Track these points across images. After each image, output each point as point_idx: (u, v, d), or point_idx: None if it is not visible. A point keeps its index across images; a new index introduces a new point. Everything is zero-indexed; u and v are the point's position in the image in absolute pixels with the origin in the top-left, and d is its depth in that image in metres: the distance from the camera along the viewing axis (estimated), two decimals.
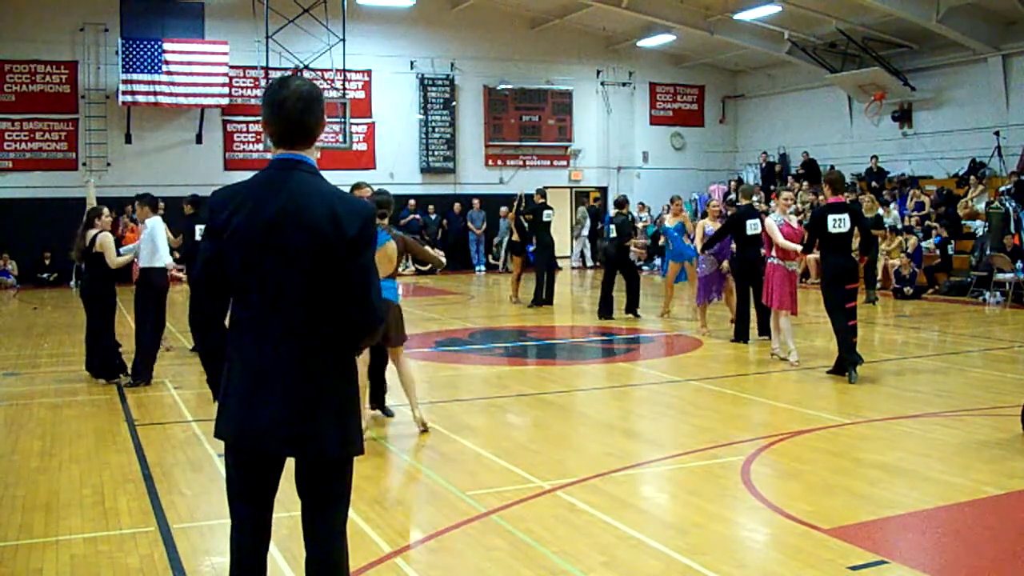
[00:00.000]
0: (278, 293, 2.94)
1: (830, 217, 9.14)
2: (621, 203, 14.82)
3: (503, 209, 24.52)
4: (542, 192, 16.54)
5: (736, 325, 11.82)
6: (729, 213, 13.63)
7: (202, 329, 3.13)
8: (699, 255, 12.38)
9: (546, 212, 16.11)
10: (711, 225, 12.22)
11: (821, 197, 11.09)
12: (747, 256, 11.40)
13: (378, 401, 7.78)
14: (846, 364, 9.16)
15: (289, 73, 21.75)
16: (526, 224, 16.34)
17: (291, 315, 2.94)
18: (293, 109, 3.01)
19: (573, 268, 25.82)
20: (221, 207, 3.02)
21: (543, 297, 16.09)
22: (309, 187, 2.98)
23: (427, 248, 7.85)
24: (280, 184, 2.98)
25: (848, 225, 9.16)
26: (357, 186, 7.52)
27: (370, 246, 2.97)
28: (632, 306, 14.61)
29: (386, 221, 6.92)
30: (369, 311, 2.97)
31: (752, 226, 11.25)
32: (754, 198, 10.38)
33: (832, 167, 24.30)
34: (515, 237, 16.73)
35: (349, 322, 2.98)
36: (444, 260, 8.12)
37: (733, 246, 11.85)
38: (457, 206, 25.18)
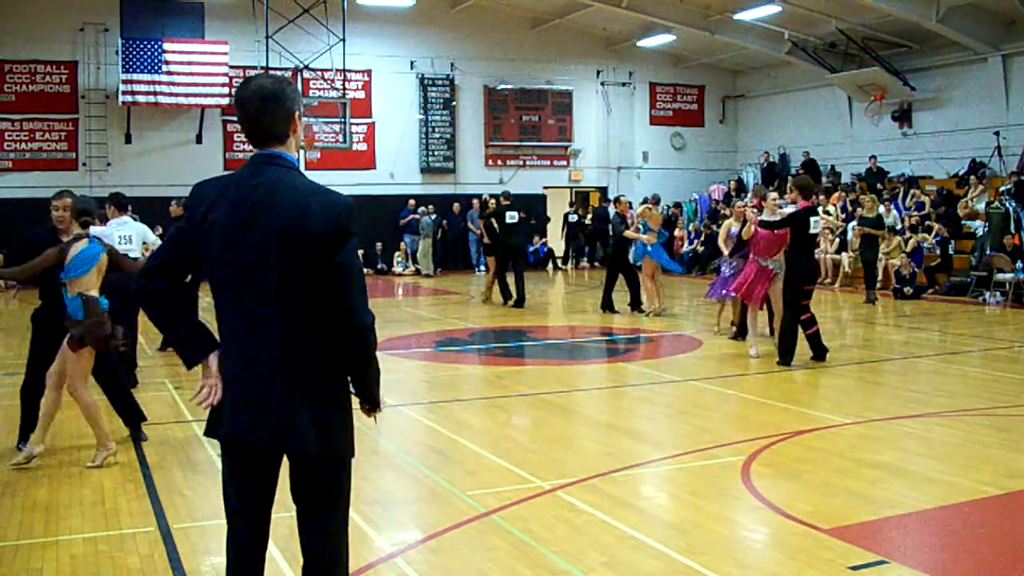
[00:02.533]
0: (254, 289, 2.93)
1: (811, 220, 9.82)
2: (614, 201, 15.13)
3: (422, 209, 24.24)
4: (506, 194, 16.80)
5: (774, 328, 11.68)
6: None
7: (147, 303, 3.08)
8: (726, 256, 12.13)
9: (509, 214, 16.34)
10: (736, 227, 12.03)
11: (780, 198, 11.08)
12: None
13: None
14: (786, 357, 9.96)
15: (285, 74, 21.76)
16: (496, 226, 16.43)
17: (267, 310, 2.92)
18: (251, 108, 3.00)
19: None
20: (200, 200, 3.01)
21: (511, 295, 16.29)
22: (282, 182, 2.95)
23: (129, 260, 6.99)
24: (253, 180, 2.97)
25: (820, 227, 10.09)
26: (59, 195, 6.81)
27: (347, 243, 2.90)
28: (634, 303, 14.90)
29: (92, 229, 6.41)
30: (353, 315, 2.91)
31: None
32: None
33: (832, 167, 24.37)
34: (486, 240, 16.93)
35: (333, 328, 2.91)
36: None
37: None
38: (456, 206, 25.19)
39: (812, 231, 9.86)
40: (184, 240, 3.05)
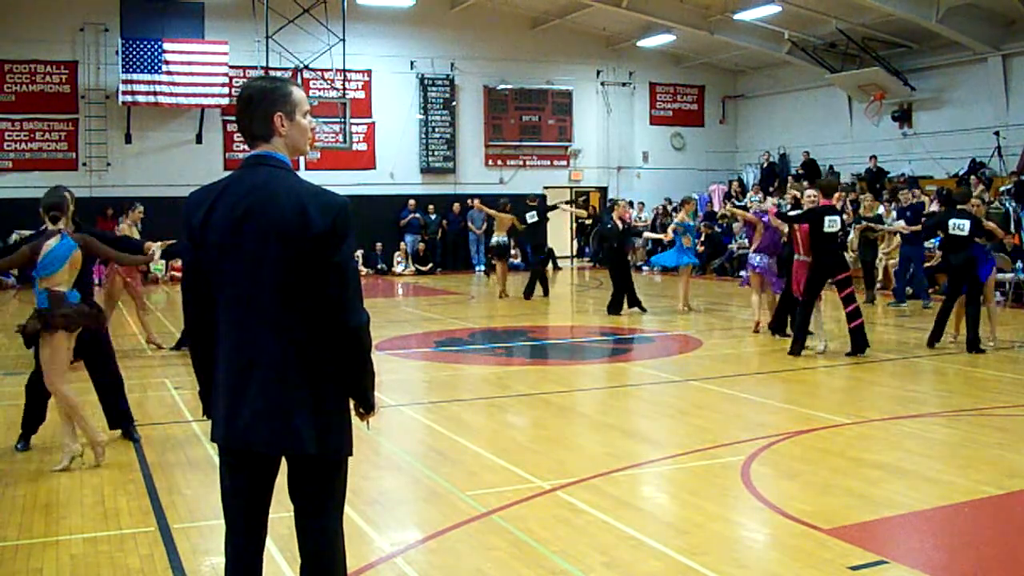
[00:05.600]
0: (251, 290, 2.93)
1: (827, 219, 10.37)
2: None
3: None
4: (532, 197, 18.64)
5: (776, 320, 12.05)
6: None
7: (191, 337, 3.14)
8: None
9: (529, 214, 17.59)
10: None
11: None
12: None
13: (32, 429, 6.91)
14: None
15: (285, 74, 21.84)
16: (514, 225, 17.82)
17: (265, 312, 2.93)
18: (237, 109, 3.10)
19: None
20: (196, 207, 3.02)
21: (531, 292, 17.45)
22: (276, 182, 2.96)
23: (113, 250, 6.72)
24: (248, 181, 2.98)
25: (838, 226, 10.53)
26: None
27: (344, 242, 2.92)
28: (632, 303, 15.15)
29: (62, 224, 6.28)
30: (348, 315, 2.92)
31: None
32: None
33: (832, 167, 24.38)
34: (502, 238, 18.06)
35: (329, 328, 2.93)
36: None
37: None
38: (456, 206, 25.20)
39: (827, 229, 10.34)
40: (194, 255, 3.05)
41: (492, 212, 18.00)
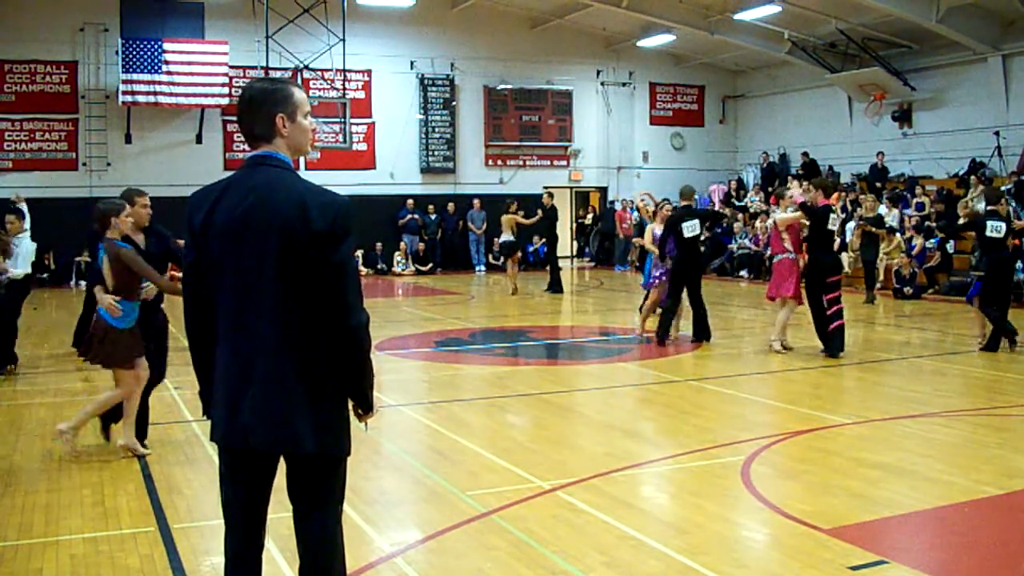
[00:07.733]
0: (252, 289, 2.94)
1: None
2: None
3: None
4: (550, 194, 19.64)
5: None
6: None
7: (191, 337, 3.15)
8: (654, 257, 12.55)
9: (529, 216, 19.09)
10: (659, 228, 12.35)
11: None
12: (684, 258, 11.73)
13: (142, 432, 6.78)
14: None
15: (285, 74, 21.86)
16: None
17: (265, 311, 2.94)
18: (240, 108, 3.10)
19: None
20: (197, 207, 3.04)
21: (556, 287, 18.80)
22: (277, 182, 2.98)
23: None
24: (249, 181, 3.00)
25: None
26: (141, 193, 6.72)
27: (344, 242, 2.93)
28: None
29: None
30: (348, 315, 2.92)
31: (689, 228, 11.61)
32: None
33: (831, 167, 24.37)
34: (508, 237, 18.89)
35: (328, 328, 2.93)
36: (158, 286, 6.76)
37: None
38: (451, 206, 25.20)
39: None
40: (195, 256, 3.07)
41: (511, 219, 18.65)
